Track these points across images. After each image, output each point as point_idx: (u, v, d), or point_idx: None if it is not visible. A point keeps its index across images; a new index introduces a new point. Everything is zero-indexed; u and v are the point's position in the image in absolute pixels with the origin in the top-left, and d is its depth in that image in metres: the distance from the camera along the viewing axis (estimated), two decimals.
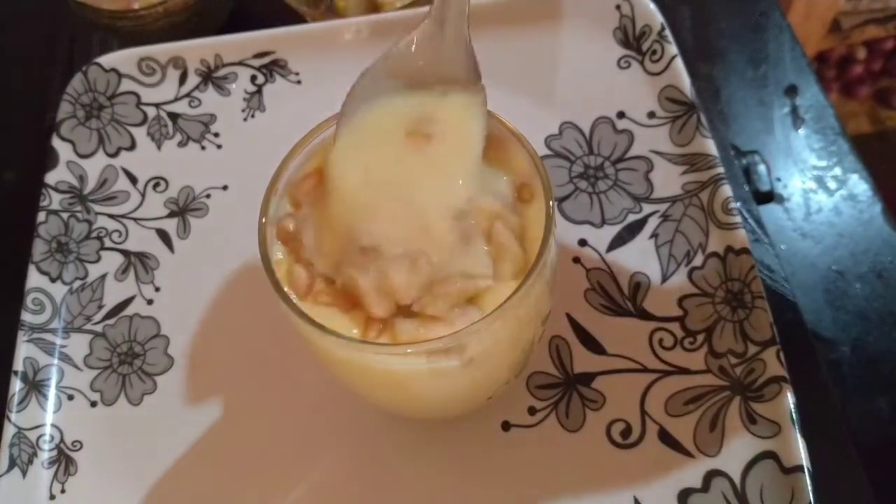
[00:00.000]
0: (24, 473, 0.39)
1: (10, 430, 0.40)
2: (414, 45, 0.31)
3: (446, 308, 0.29)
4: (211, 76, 0.51)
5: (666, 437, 0.38)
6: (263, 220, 0.31)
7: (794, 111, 0.51)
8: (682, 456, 0.37)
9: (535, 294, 0.29)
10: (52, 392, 0.42)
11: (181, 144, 0.50)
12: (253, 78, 0.51)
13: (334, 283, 0.30)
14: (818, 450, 0.36)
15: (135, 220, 0.48)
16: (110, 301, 0.45)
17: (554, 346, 0.41)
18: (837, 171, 0.49)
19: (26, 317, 0.43)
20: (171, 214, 0.48)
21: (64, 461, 0.40)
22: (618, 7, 0.49)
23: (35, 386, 0.42)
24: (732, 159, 0.48)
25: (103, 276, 0.46)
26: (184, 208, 0.48)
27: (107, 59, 0.51)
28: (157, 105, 0.51)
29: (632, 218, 0.44)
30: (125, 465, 0.40)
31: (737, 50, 0.55)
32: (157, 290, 0.45)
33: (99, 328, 0.44)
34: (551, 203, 0.30)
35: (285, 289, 0.29)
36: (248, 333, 0.43)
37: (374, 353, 0.28)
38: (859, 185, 0.48)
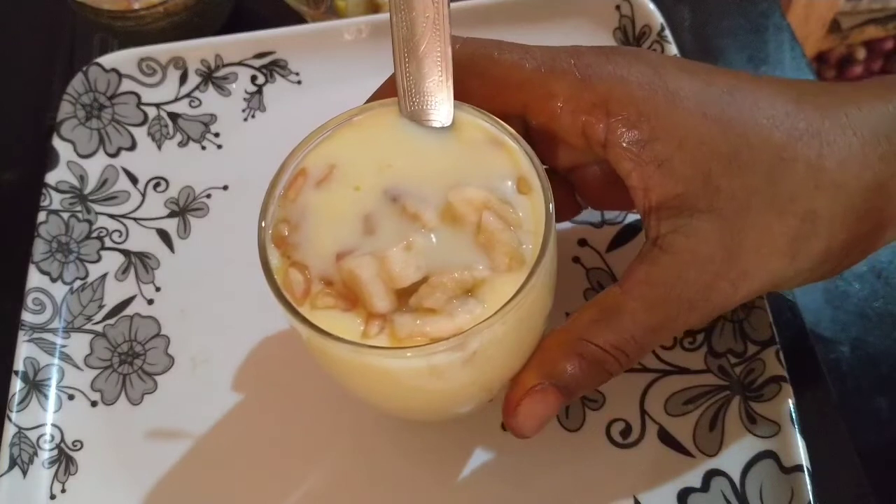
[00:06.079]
0: (24, 473, 0.40)
1: (10, 430, 0.40)
2: None
3: (444, 300, 0.28)
4: (211, 76, 0.51)
5: (666, 437, 0.38)
6: (262, 224, 0.31)
7: None
8: (682, 455, 0.37)
9: (535, 294, 0.29)
10: (52, 392, 0.42)
11: (181, 144, 0.50)
12: (253, 78, 0.51)
13: (331, 283, 0.30)
14: (818, 449, 0.36)
15: (135, 220, 0.48)
16: (111, 301, 0.45)
17: None
18: None
19: (27, 317, 0.43)
20: (172, 214, 0.48)
21: (64, 461, 0.40)
22: (618, 7, 0.49)
23: (35, 386, 0.42)
24: None
25: (104, 276, 0.46)
26: (184, 208, 0.48)
27: (107, 59, 0.51)
28: (157, 105, 0.51)
29: (632, 218, 0.44)
30: (125, 465, 0.40)
31: (737, 50, 0.55)
32: (158, 289, 0.45)
33: (99, 328, 0.44)
34: (550, 204, 0.30)
35: (285, 294, 0.29)
36: (248, 333, 0.43)
37: (376, 356, 0.28)
38: None
